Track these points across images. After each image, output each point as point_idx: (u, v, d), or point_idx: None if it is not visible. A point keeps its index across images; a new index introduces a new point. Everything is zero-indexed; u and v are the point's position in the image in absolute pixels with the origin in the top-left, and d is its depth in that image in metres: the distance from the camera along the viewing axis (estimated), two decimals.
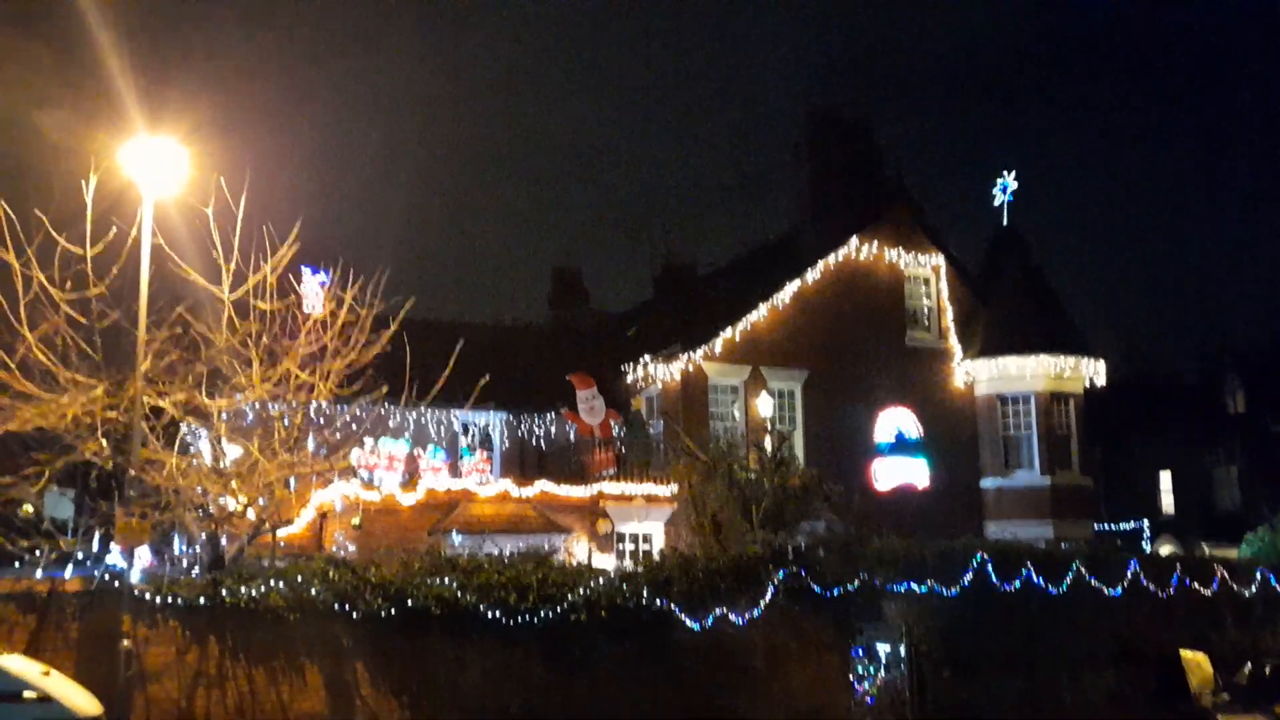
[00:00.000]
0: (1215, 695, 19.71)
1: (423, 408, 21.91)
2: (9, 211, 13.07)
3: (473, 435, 25.28)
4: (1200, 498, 43.31)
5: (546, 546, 18.26)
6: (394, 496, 20.08)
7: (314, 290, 16.23)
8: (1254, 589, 23.34)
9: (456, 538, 19.51)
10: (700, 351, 24.70)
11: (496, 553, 17.16)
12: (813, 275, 26.56)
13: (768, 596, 17.33)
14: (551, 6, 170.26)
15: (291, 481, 15.98)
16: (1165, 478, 45.14)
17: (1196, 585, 22.40)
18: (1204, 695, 19.87)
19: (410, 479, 20.68)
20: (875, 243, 27.46)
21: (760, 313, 25.69)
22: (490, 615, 15.39)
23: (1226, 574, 23.13)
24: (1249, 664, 20.51)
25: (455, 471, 21.45)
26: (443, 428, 24.53)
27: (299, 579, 14.46)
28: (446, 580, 15.28)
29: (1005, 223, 29.92)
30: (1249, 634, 22.68)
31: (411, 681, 14.87)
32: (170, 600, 13.83)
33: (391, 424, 22.34)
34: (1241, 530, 28.20)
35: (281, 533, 17.87)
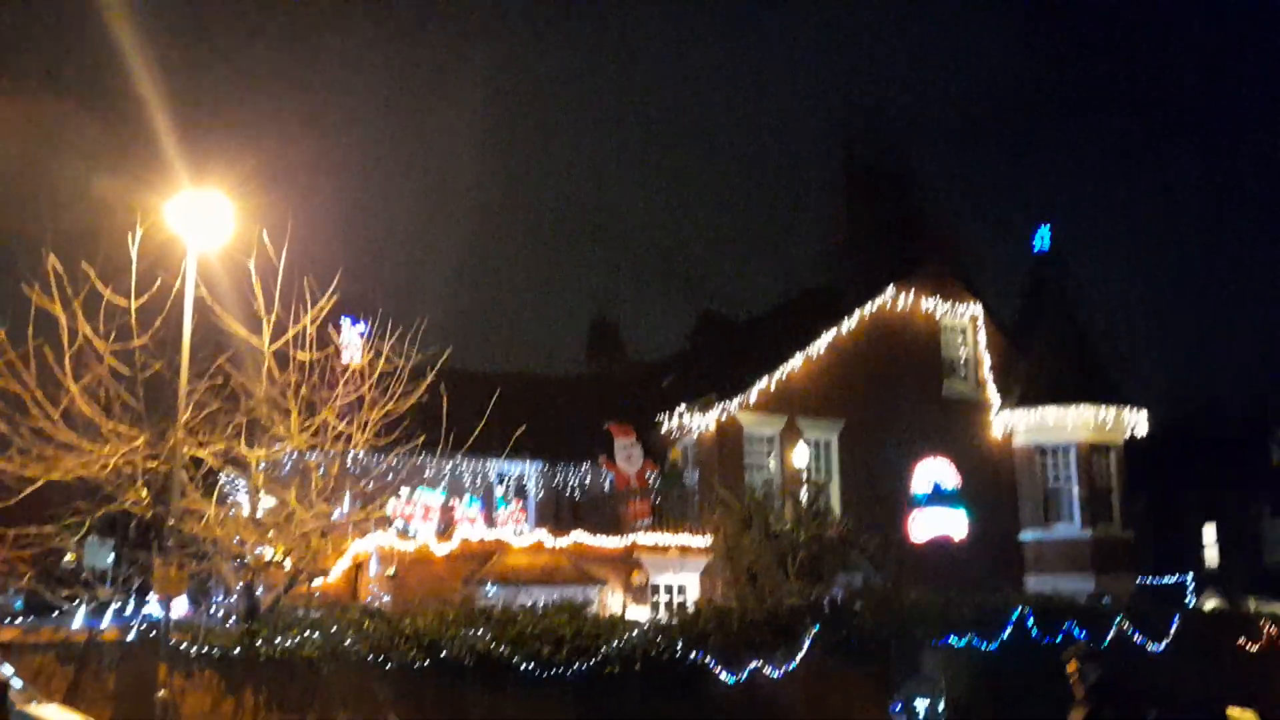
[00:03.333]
0: None
1: (459, 457, 21.97)
2: (59, 267, 13.34)
3: (508, 485, 25.30)
4: (1246, 551, 42.46)
5: (581, 598, 18.18)
6: (429, 546, 20.10)
7: (353, 341, 16.39)
8: None
9: (491, 588, 19.48)
10: (736, 401, 24.64)
11: (530, 604, 17.12)
12: (849, 325, 26.49)
13: (804, 649, 17.15)
14: (584, 59, 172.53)
15: (327, 531, 16.04)
16: (1210, 530, 44.33)
17: (1244, 641, 21.94)
18: None
19: (445, 529, 20.71)
20: (912, 292, 27.39)
21: (796, 362, 25.63)
22: (524, 667, 15.33)
23: (1275, 630, 22.65)
24: None
25: (490, 521, 21.45)
26: (478, 477, 24.57)
27: (333, 629, 14.49)
28: (480, 631, 15.25)
29: (1043, 272, 29.77)
30: None
31: None
32: (206, 650, 13.89)
33: (427, 473, 22.40)
34: None
35: (317, 582, 17.93)
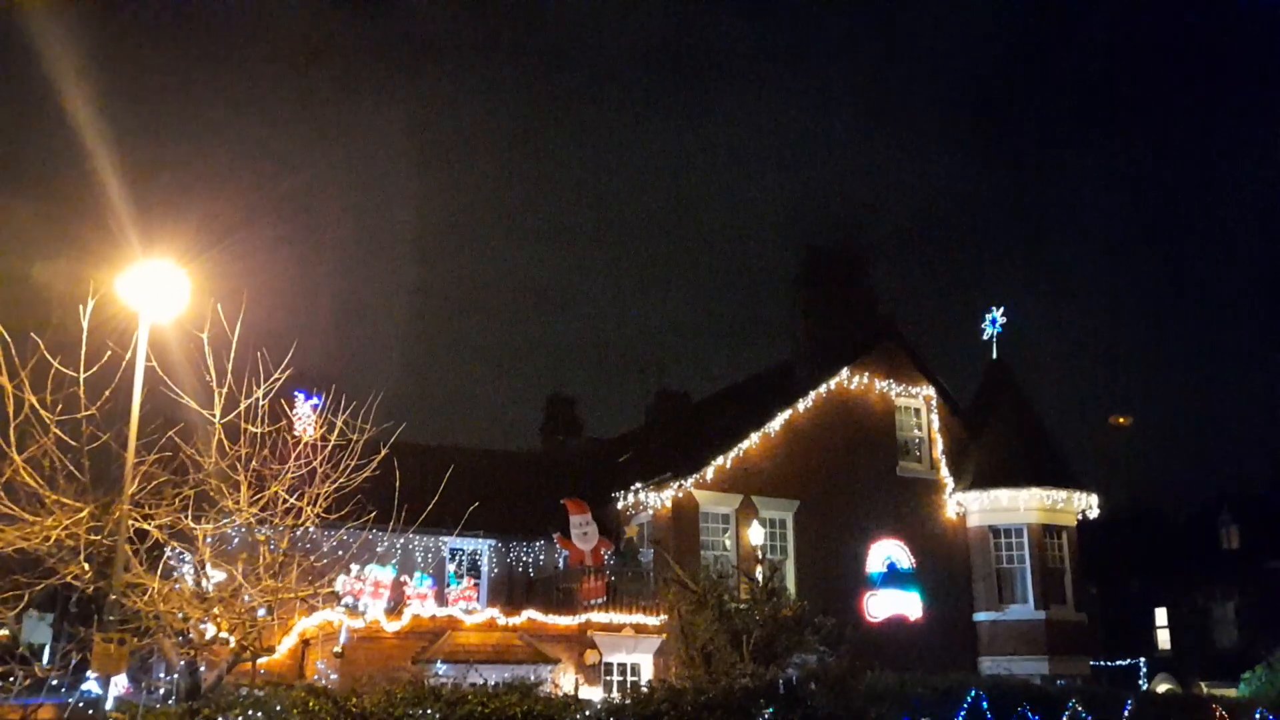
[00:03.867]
0: None
1: (411, 534, 21.72)
2: (5, 335, 13.17)
3: (460, 562, 25.01)
4: (1197, 635, 42.71)
5: (533, 677, 17.87)
6: (379, 624, 19.76)
7: (305, 414, 16.25)
8: None
9: (441, 667, 19.11)
10: (692, 479, 24.64)
11: (481, 682, 16.81)
12: (804, 405, 26.67)
13: None
14: (548, 144, 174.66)
15: (274, 608, 15.72)
16: (1161, 614, 44.60)
17: None
18: None
19: (396, 606, 20.38)
20: (866, 374, 27.68)
21: (752, 441, 25.72)
22: None
23: (1225, 714, 22.69)
24: None
25: (442, 599, 21.15)
26: (430, 554, 24.27)
27: (278, 709, 14.12)
28: (429, 711, 14.91)
29: (995, 356, 30.24)
30: None
31: None
32: None
33: (379, 550, 22.10)
34: (1239, 669, 27.76)
35: (262, 660, 17.51)
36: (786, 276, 29.91)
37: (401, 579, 21.01)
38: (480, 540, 25.47)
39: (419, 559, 23.87)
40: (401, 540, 22.65)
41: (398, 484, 15.96)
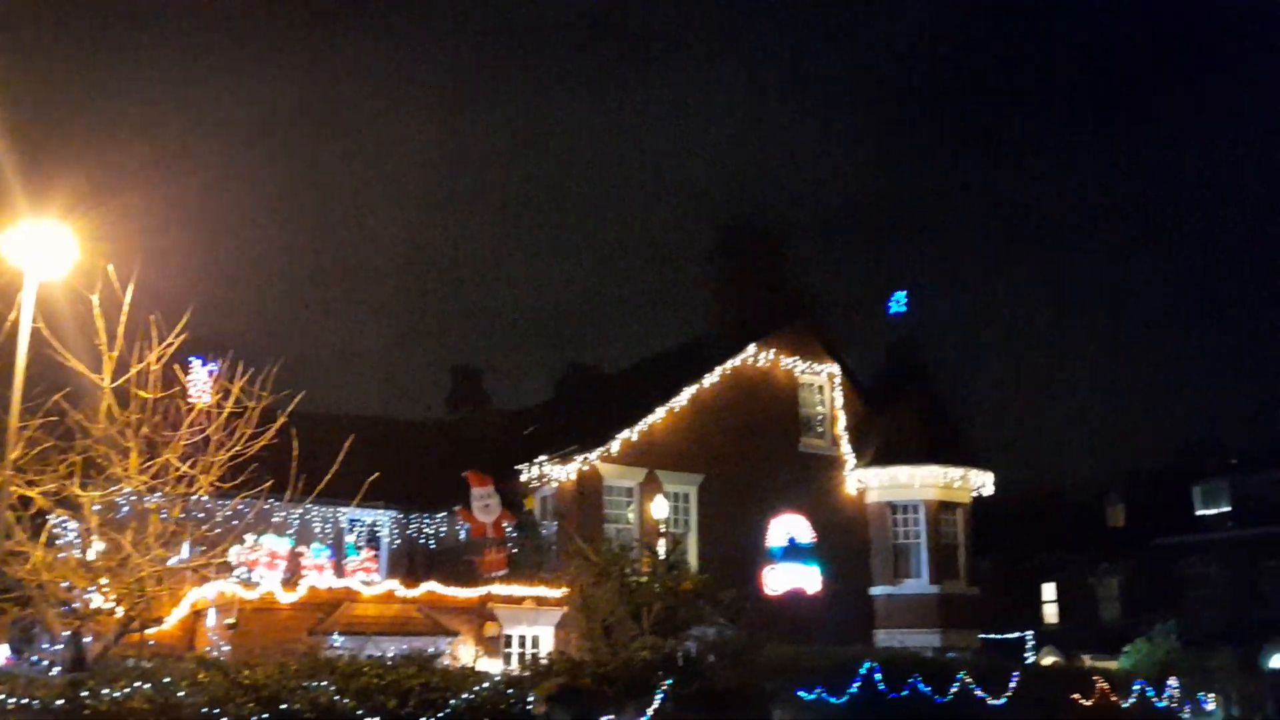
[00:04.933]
0: None
1: (308, 504, 21.35)
2: None
3: (360, 533, 24.70)
4: (1083, 610, 44.28)
5: (431, 649, 17.78)
6: (274, 595, 19.41)
7: (201, 380, 15.85)
8: (1132, 700, 23.80)
9: (338, 639, 18.87)
10: (597, 453, 24.65)
11: (379, 655, 16.68)
12: (710, 380, 26.84)
13: (656, 703, 17.10)
14: (456, 116, 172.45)
15: (164, 578, 15.35)
16: (1050, 589, 46.11)
17: (1077, 696, 22.76)
18: None
19: (292, 577, 20.04)
20: (773, 351, 27.94)
21: (658, 416, 25.82)
22: None
23: (1107, 685, 23.57)
24: None
25: (340, 570, 20.87)
26: (329, 525, 23.94)
27: (166, 681, 13.83)
28: (324, 683, 14.76)
29: (899, 337, 30.73)
30: None
31: None
32: (27, 702, 13.10)
33: (275, 520, 21.72)
34: (1122, 642, 28.84)
35: (151, 631, 17.13)
36: (701, 253, 29.98)
37: (298, 550, 20.67)
38: (380, 511, 25.18)
39: (317, 530, 23.52)
40: (299, 511, 22.26)
41: (295, 453, 15.67)
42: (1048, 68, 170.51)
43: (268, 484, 15.57)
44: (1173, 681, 25.36)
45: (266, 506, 21.21)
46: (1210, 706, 28.62)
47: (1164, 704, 24.75)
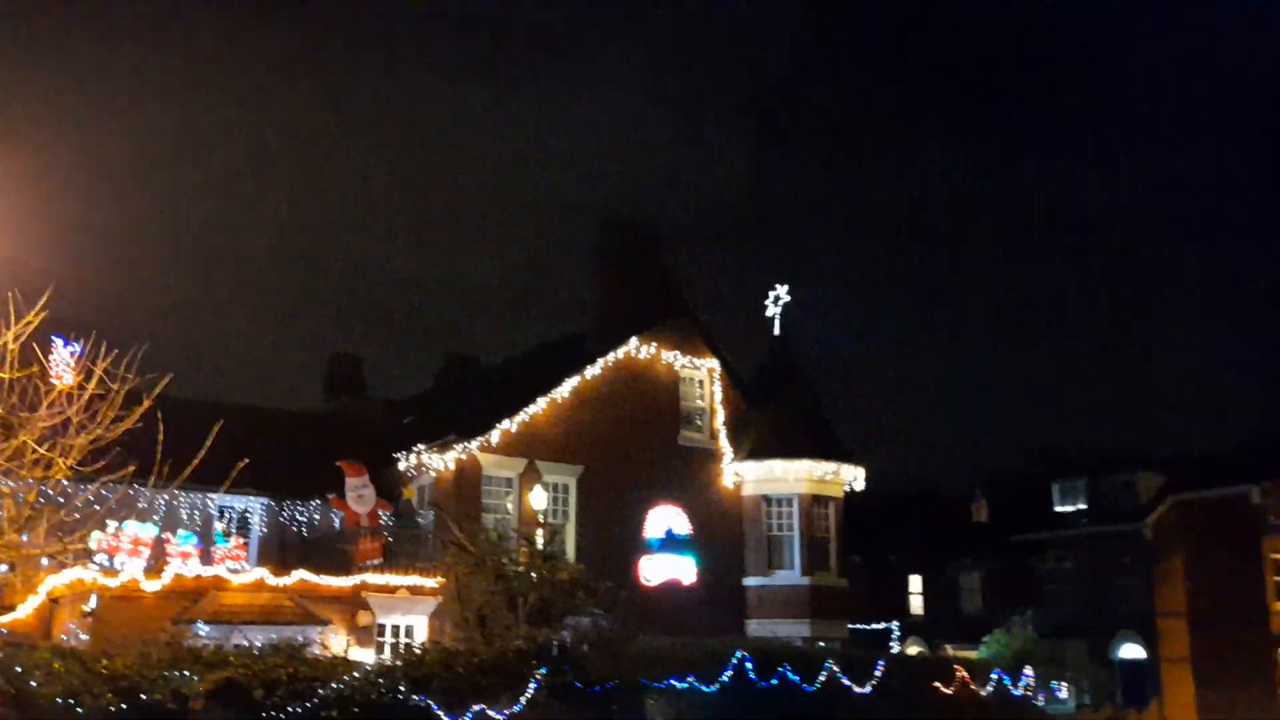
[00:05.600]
0: None
1: (176, 490, 20.72)
2: None
3: (229, 521, 24.07)
4: (946, 602, 45.87)
5: (301, 639, 17.46)
6: (137, 583, 18.82)
7: (62, 360, 15.23)
8: (990, 689, 24.72)
9: (204, 628, 18.41)
10: (476, 442, 24.53)
11: (246, 644, 16.35)
12: (593, 372, 26.93)
13: (529, 693, 17.12)
14: (336, 102, 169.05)
15: (17, 564, 14.76)
16: (916, 582, 47.63)
17: (938, 685, 23.54)
18: None
19: (156, 565, 19.46)
20: (655, 344, 28.17)
21: (539, 406, 25.80)
22: (233, 712, 14.55)
23: (967, 674, 24.43)
24: None
25: (207, 558, 20.34)
26: (197, 512, 23.27)
27: (18, 670, 13.32)
28: (187, 673, 14.39)
29: (778, 333, 31.29)
30: None
31: None
32: None
33: (140, 506, 21.04)
34: (982, 633, 29.91)
35: (4, 620, 16.45)
36: (582, 250, 30.02)
37: (164, 536, 20.08)
38: (251, 499, 24.59)
39: (184, 517, 22.85)
40: (165, 497, 21.59)
41: (161, 437, 15.22)
42: (910, 76, 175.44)
43: (131, 469, 15.09)
44: (1028, 670, 26.41)
45: (131, 492, 20.52)
46: (1063, 694, 29.96)
47: (1020, 692, 25.76)
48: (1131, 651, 41.39)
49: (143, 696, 13.96)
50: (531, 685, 17.18)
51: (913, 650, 35.53)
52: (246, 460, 17.72)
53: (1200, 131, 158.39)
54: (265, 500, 24.93)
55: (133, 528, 19.26)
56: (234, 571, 20.06)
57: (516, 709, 16.95)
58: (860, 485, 29.58)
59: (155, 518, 20.73)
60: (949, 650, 31.00)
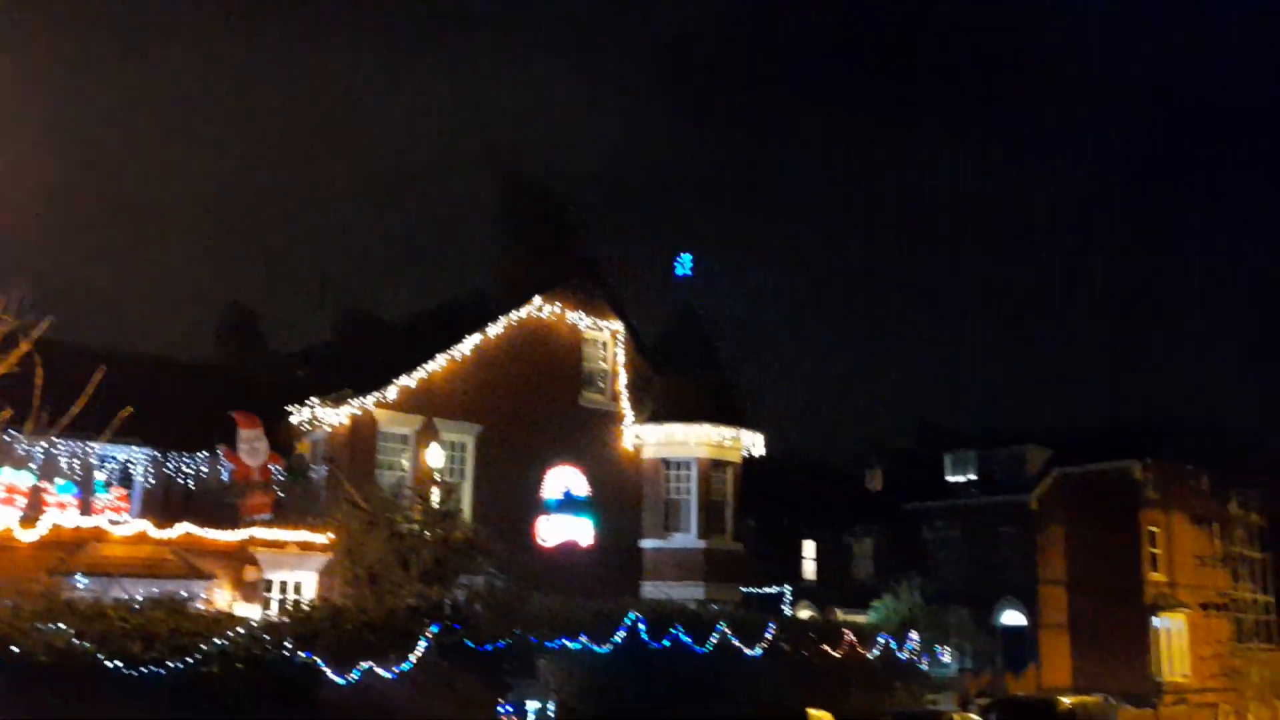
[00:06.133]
0: None
1: (54, 438, 19.97)
2: None
3: (111, 471, 23.28)
4: (838, 567, 46.78)
5: (184, 593, 17.08)
6: (11, 532, 18.11)
7: None
8: (876, 652, 25.31)
9: (82, 580, 17.82)
10: (373, 398, 24.11)
11: (126, 598, 15.89)
12: (495, 330, 26.64)
13: (419, 651, 17.00)
14: (241, 53, 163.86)
15: None
16: (809, 547, 48.47)
17: (827, 647, 24.02)
18: None
19: (33, 514, 18.73)
20: (558, 304, 27.97)
21: (438, 363, 25.45)
22: (111, 666, 14.16)
23: (854, 638, 24.96)
24: None
25: (86, 509, 19.66)
26: (77, 461, 22.46)
27: None
28: (62, 625, 13.95)
29: (683, 299, 31.32)
30: (872, 694, 24.53)
31: None
32: None
33: (18, 453, 20.27)
34: (871, 598, 30.58)
35: None
36: (486, 209, 29.64)
37: (41, 486, 19.34)
38: (135, 449, 23.79)
39: (63, 466, 22.02)
40: (44, 444, 20.78)
41: (39, 382, 14.67)
42: (821, 56, 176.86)
43: (6, 414, 14.53)
44: (914, 635, 27.11)
45: (6, 438, 19.79)
46: (946, 658, 30.81)
47: (905, 656, 26.44)
48: (1013, 618, 42.74)
49: (14, 649, 13.50)
50: (422, 643, 17.08)
51: (804, 614, 36.15)
52: (131, 409, 17.22)
53: (1078, 128, 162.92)
54: (150, 451, 24.16)
55: (7, 475, 18.50)
56: (115, 523, 19.44)
57: (405, 667, 16.84)
58: (759, 451, 29.88)
59: (32, 466, 19.96)
60: (839, 615, 31.65)
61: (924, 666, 28.02)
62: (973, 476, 45.38)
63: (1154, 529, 43.12)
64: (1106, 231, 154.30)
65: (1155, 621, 41.81)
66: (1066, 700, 25.51)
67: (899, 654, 26.13)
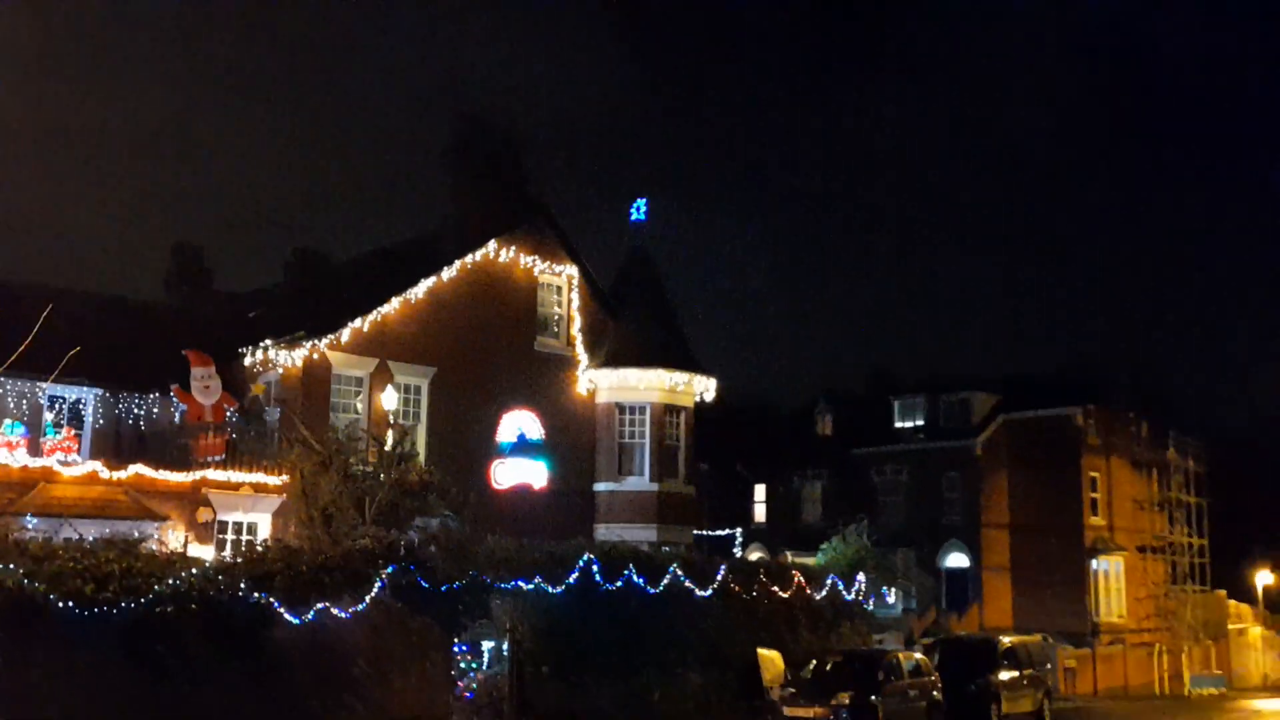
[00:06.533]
0: (784, 690, 21.55)
1: (1, 377, 19.70)
2: None
3: (60, 411, 23.01)
4: (789, 510, 47.49)
5: (137, 534, 17.01)
6: None
7: None
8: (824, 594, 25.77)
9: (31, 521, 17.69)
10: (326, 340, 23.94)
11: (77, 538, 15.81)
12: (449, 273, 26.47)
13: (374, 592, 17.10)
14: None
15: None
16: (760, 491, 49.11)
17: (776, 589, 24.41)
18: (775, 690, 21.67)
19: None
20: (513, 248, 27.82)
21: (393, 306, 25.29)
22: (62, 606, 14.12)
23: (803, 580, 25.37)
24: (814, 661, 22.60)
25: (36, 449, 19.46)
26: (25, 401, 22.16)
27: None
28: (11, 566, 13.88)
29: (637, 244, 31.31)
30: (819, 634, 25.01)
31: None
32: None
33: None
34: (820, 540, 31.07)
35: None
36: (438, 149, 29.21)
37: None
38: (85, 389, 23.51)
39: (11, 406, 21.74)
40: None
41: None
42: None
43: None
44: (861, 577, 27.58)
45: None
46: (891, 599, 31.48)
47: (851, 597, 26.92)
48: (957, 560, 43.74)
49: None
50: (377, 584, 17.16)
51: (754, 556, 36.70)
52: (79, 349, 17.00)
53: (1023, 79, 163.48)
54: (100, 391, 23.88)
55: None
56: (65, 464, 19.29)
57: (360, 608, 16.92)
58: (711, 396, 30.10)
59: None
60: (788, 557, 32.10)
61: (870, 607, 28.57)
62: (920, 422, 46.10)
63: (1094, 474, 44.16)
64: (1055, 178, 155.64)
65: (1094, 564, 42.99)
66: (1006, 639, 26.12)
67: (846, 595, 26.60)
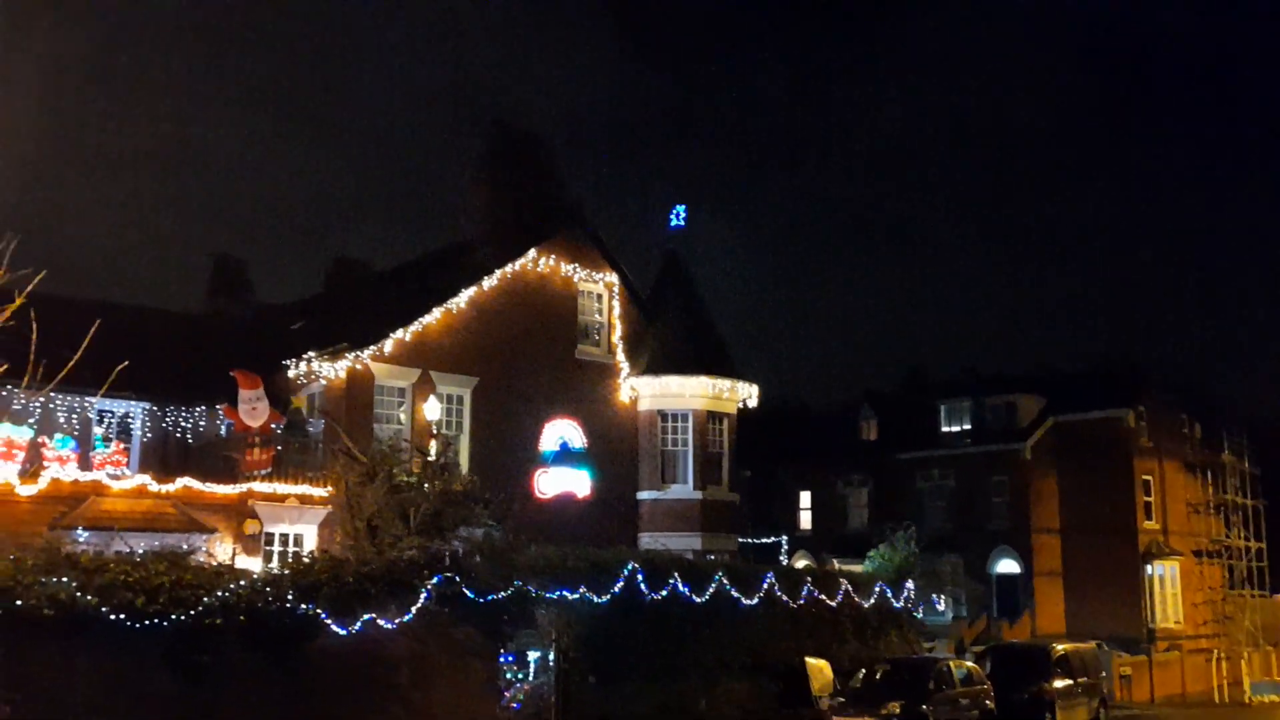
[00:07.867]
0: (833, 699, 21.32)
1: (51, 392, 19.93)
2: None
3: (109, 425, 23.27)
4: (834, 517, 47.09)
5: (185, 546, 17.11)
6: (11, 487, 18.14)
7: None
8: (872, 601, 25.51)
9: (82, 534, 17.88)
10: (369, 351, 24.04)
11: (127, 551, 15.96)
12: (490, 283, 26.51)
13: (420, 602, 17.10)
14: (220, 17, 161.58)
15: None
16: (805, 498, 48.74)
17: (823, 597, 24.20)
18: (824, 699, 21.45)
19: (32, 469, 18.75)
20: (553, 257, 27.83)
21: (434, 316, 25.36)
22: (114, 618, 14.25)
23: (850, 587, 25.13)
24: (863, 670, 22.35)
25: (86, 463, 19.67)
26: (75, 415, 22.44)
27: None
28: (64, 579, 14.00)
29: (676, 251, 31.21)
30: (866, 642, 24.76)
31: (14, 692, 13.49)
32: None
33: (15, 408, 20.25)
34: (867, 547, 30.75)
35: None
36: (471, 157, 29.20)
37: (40, 440, 19.34)
38: (133, 403, 23.77)
39: (61, 420, 22.01)
40: (40, 399, 20.75)
41: (34, 336, 14.59)
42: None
43: (1, 368, 14.47)
44: (909, 584, 27.31)
45: (3, 394, 19.77)
46: (941, 606, 31.11)
47: (900, 604, 26.65)
48: (1007, 566, 43.14)
49: (18, 602, 13.56)
50: (423, 595, 17.17)
51: (800, 564, 36.45)
52: (127, 363, 17.15)
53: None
54: (147, 405, 24.14)
55: (6, 430, 18.50)
56: (114, 477, 19.47)
57: (407, 618, 16.93)
58: (754, 402, 29.93)
59: (30, 421, 19.97)
60: (835, 564, 31.86)
61: (919, 615, 28.27)
62: (966, 426, 45.56)
63: (1147, 477, 43.41)
64: (1099, 176, 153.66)
65: (1148, 568, 42.23)
66: (1060, 646, 25.68)
67: (895, 603, 26.34)
